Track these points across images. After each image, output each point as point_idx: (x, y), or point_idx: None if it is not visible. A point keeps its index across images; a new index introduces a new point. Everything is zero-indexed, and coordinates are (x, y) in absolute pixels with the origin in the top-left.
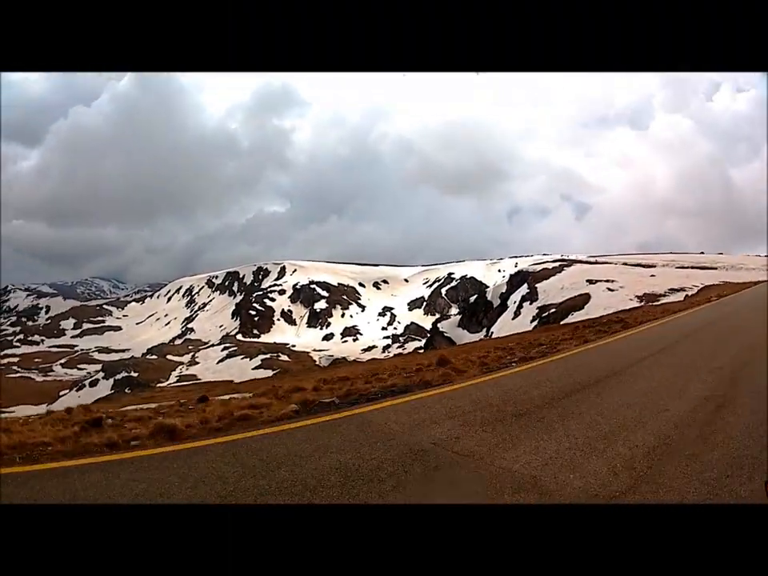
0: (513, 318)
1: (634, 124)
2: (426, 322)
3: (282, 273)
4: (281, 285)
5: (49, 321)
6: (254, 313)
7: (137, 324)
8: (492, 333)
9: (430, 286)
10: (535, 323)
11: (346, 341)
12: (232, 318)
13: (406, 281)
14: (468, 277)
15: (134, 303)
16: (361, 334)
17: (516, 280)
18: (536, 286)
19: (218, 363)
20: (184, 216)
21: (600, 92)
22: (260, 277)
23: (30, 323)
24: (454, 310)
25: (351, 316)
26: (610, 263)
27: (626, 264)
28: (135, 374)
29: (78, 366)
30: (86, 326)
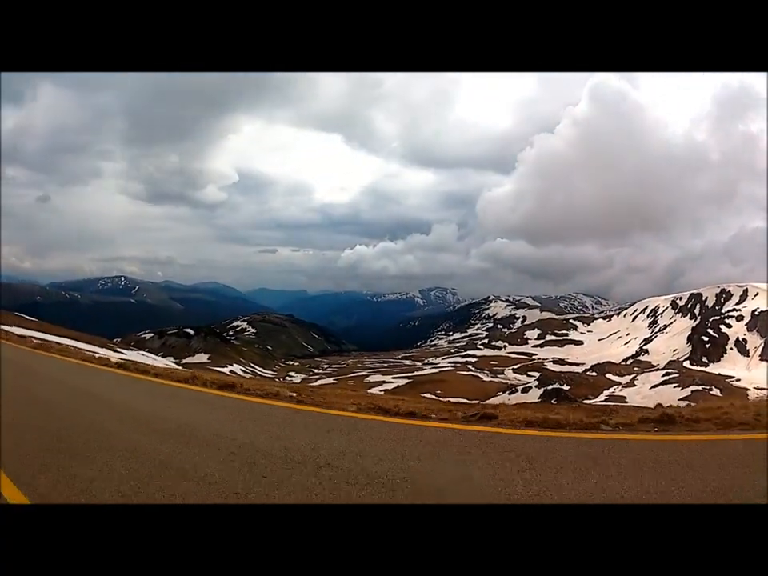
0: None
1: None
2: None
3: (744, 296)
4: (740, 310)
5: (515, 330)
6: (706, 339)
7: (598, 340)
8: None
9: None
10: None
11: None
12: (686, 343)
13: None
14: None
15: (600, 320)
16: None
17: None
18: None
19: (650, 388)
20: (661, 234)
21: None
22: (722, 300)
23: (504, 330)
24: None
25: None
26: None
27: None
28: (566, 387)
29: (529, 372)
30: (548, 337)
